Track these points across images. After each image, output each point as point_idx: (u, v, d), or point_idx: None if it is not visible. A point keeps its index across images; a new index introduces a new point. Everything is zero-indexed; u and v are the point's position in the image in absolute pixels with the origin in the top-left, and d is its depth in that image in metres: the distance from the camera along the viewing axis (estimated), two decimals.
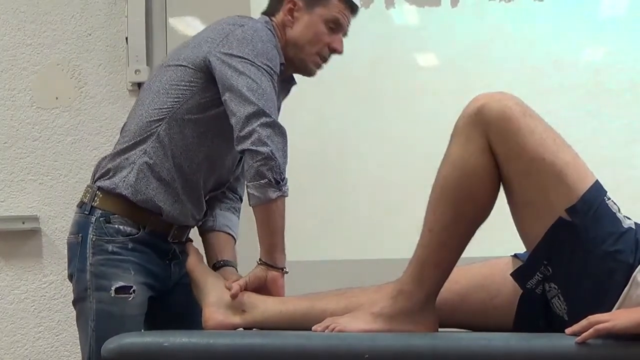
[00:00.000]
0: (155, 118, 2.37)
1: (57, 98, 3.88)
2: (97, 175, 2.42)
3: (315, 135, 3.63)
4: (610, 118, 3.59)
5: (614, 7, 3.70)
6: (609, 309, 1.89)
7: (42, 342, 3.82)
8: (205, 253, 2.50)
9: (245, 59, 2.30)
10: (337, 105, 3.67)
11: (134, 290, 2.34)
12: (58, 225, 3.81)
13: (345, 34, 2.50)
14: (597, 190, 1.95)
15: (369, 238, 3.58)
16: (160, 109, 2.37)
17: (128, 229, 2.37)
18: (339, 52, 2.47)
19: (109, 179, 2.38)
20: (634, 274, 1.91)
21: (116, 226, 2.36)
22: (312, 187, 3.58)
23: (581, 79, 3.62)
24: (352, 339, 1.95)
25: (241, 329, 2.26)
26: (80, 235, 2.38)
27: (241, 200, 2.60)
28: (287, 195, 2.25)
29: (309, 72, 2.51)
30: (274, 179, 2.21)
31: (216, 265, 2.46)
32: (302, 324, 2.14)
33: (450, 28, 3.70)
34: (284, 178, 2.23)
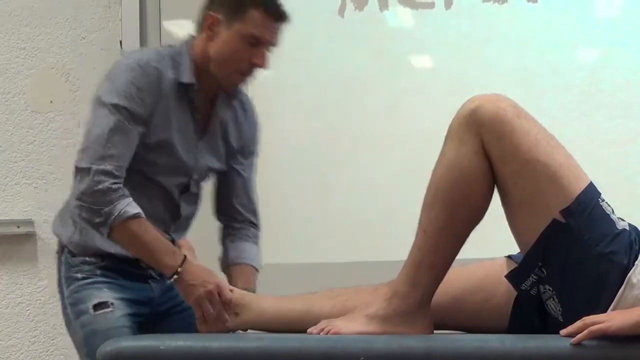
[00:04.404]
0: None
1: (51, 102, 3.88)
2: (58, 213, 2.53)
3: (309, 137, 3.63)
4: (605, 118, 3.59)
5: (609, 8, 3.70)
6: (603, 310, 1.89)
7: (37, 346, 3.81)
8: None
9: (98, 96, 2.34)
10: (332, 107, 3.66)
11: (112, 304, 2.37)
12: None
13: (272, 45, 2.41)
14: (592, 191, 1.96)
15: (363, 240, 3.57)
16: None
17: (93, 259, 2.43)
18: (261, 67, 2.41)
19: (62, 228, 2.47)
20: (629, 275, 1.91)
21: (81, 258, 2.43)
22: (308, 188, 3.57)
23: (576, 79, 3.62)
24: (348, 341, 1.95)
25: (239, 331, 2.26)
26: (58, 276, 2.47)
27: (251, 223, 2.59)
28: (120, 221, 2.24)
29: (228, 88, 2.47)
30: (95, 222, 2.26)
31: None
32: (297, 326, 2.14)
33: (444, 30, 3.69)
34: (103, 213, 2.23)
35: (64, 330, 3.73)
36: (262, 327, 2.24)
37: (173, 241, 2.41)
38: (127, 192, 2.26)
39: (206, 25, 2.40)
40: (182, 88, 2.39)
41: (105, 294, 2.38)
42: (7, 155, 3.85)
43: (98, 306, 2.36)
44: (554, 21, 3.63)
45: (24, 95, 3.88)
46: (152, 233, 2.27)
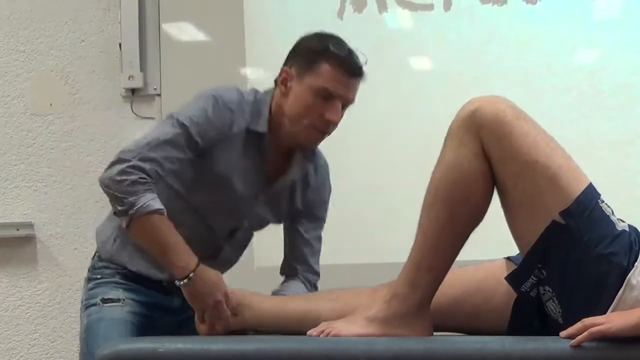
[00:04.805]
0: None
1: (51, 104, 3.88)
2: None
3: None
4: (604, 120, 3.59)
5: (608, 9, 3.70)
6: (603, 311, 1.89)
7: (37, 349, 3.81)
8: None
9: (172, 112, 2.35)
10: None
11: (123, 300, 2.39)
12: (52, 232, 3.80)
13: (346, 101, 2.37)
14: (591, 192, 1.95)
15: (363, 242, 3.58)
16: None
17: (114, 265, 2.45)
18: (335, 122, 2.36)
19: (101, 232, 2.50)
20: (628, 276, 1.91)
21: (106, 263, 2.46)
22: None
23: (575, 80, 3.62)
24: (348, 343, 1.95)
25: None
26: (86, 276, 2.51)
27: (313, 272, 2.56)
28: (141, 215, 2.22)
29: (305, 145, 2.43)
30: (117, 210, 2.26)
31: None
32: (296, 326, 2.14)
33: (443, 32, 3.70)
34: (127, 202, 2.22)
35: (64, 333, 3.76)
36: (261, 327, 2.24)
37: None
38: (154, 189, 2.26)
39: (280, 80, 2.39)
40: (254, 136, 2.38)
41: (119, 293, 2.40)
42: (7, 158, 3.86)
43: (108, 300, 2.39)
44: (553, 23, 3.63)
45: (24, 98, 3.89)
46: (171, 232, 2.25)
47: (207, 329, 2.25)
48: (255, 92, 2.44)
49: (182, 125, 2.30)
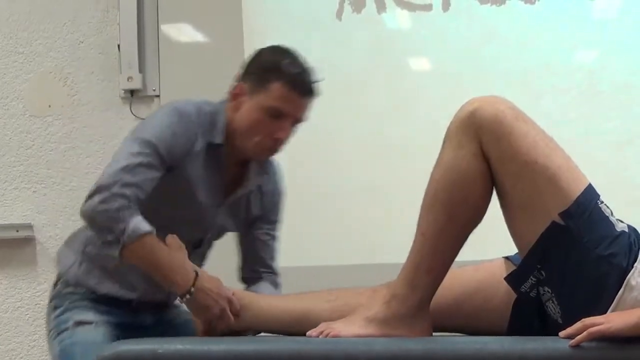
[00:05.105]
0: None
1: (49, 106, 3.88)
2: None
3: (307, 140, 3.62)
4: (603, 120, 3.59)
5: (607, 9, 3.70)
6: (602, 312, 1.89)
7: (37, 350, 3.81)
8: None
9: (134, 130, 2.34)
10: (329, 110, 3.66)
11: (95, 323, 2.35)
12: (52, 233, 3.80)
13: (297, 120, 2.35)
14: (590, 193, 1.95)
15: (362, 243, 3.58)
16: None
17: (81, 290, 2.41)
18: (282, 141, 2.35)
19: (64, 258, 2.46)
20: (628, 277, 1.91)
21: (72, 288, 2.42)
22: (306, 191, 3.57)
23: (574, 81, 3.62)
24: (347, 344, 1.95)
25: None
26: (48, 305, 2.47)
27: (273, 272, 2.55)
28: (133, 241, 2.18)
29: (255, 159, 2.42)
30: (107, 240, 2.21)
31: None
32: (295, 327, 2.14)
33: (442, 32, 3.70)
34: (116, 230, 2.19)
35: None
36: (260, 327, 2.24)
37: None
38: (137, 209, 2.22)
39: (233, 94, 2.37)
40: (212, 147, 2.36)
41: (90, 316, 2.36)
42: (6, 160, 3.85)
43: (79, 323, 2.35)
44: (552, 22, 3.63)
45: (22, 99, 3.89)
46: (163, 251, 2.23)
47: (208, 331, 2.24)
48: (211, 103, 2.41)
49: (149, 143, 2.27)
